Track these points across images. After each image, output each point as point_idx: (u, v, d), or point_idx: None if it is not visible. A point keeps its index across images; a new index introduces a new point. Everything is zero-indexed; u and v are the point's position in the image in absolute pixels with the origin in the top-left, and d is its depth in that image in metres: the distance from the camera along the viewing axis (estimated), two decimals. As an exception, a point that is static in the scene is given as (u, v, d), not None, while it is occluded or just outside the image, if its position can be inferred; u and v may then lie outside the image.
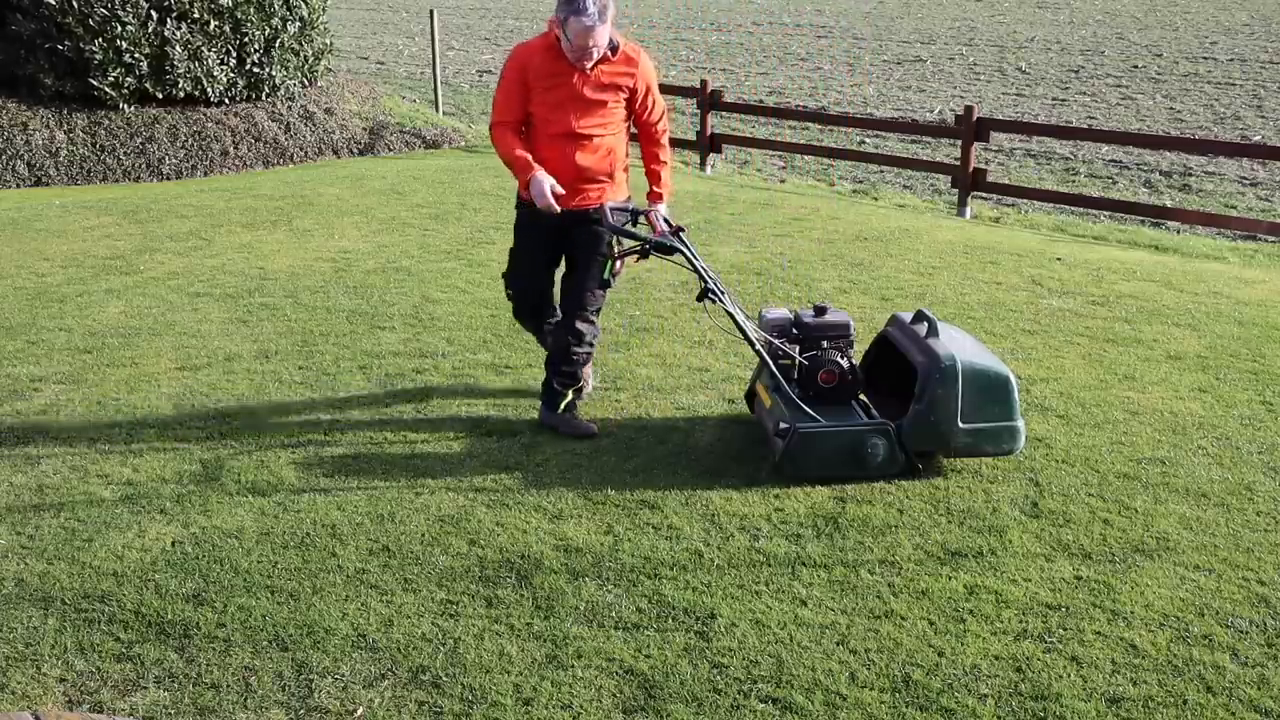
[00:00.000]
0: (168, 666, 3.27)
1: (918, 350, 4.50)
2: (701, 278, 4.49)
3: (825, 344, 4.63)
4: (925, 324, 4.60)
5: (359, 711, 3.09)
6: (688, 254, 4.46)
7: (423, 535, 4.02)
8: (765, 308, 4.81)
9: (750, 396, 4.99)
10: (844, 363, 4.60)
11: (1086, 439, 4.86)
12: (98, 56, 12.23)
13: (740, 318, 4.52)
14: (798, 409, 4.44)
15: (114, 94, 12.48)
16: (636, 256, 4.64)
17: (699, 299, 4.56)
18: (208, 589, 3.67)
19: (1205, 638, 3.44)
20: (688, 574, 3.77)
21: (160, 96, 12.79)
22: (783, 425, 4.42)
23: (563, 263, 4.92)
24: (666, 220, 4.68)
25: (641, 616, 3.53)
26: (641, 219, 4.74)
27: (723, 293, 4.51)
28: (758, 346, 4.57)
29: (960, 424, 4.35)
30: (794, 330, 4.67)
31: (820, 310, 4.72)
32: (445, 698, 3.14)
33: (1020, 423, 4.45)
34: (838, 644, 3.39)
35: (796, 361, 4.61)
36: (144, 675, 3.24)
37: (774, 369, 4.55)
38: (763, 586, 3.70)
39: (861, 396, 4.71)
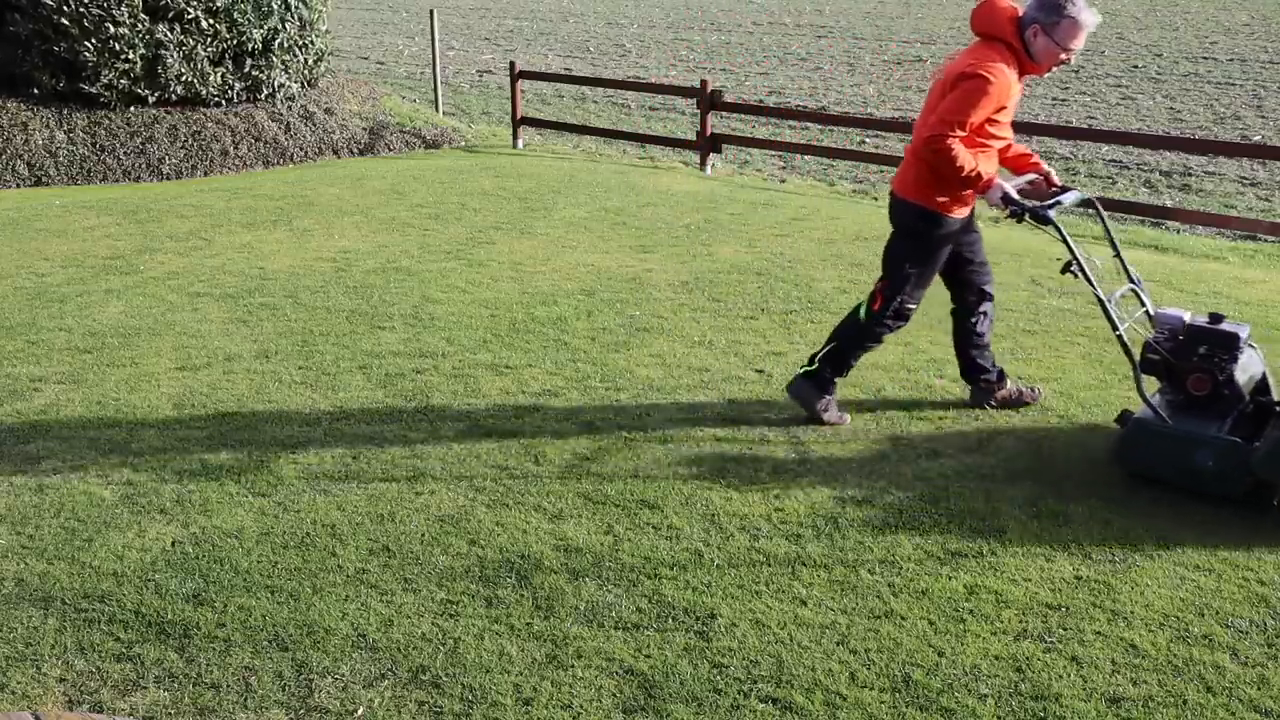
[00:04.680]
0: (168, 666, 3.27)
1: None
2: (1072, 252, 4.46)
3: (1202, 350, 4.46)
4: None
5: (359, 711, 3.09)
6: (1060, 229, 4.44)
7: (423, 535, 4.02)
8: (1163, 306, 4.71)
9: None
10: (1220, 375, 4.41)
11: (1087, 439, 4.86)
12: (91, 58, 12.23)
13: (1106, 301, 4.47)
14: (1146, 403, 4.38)
15: (107, 95, 12.48)
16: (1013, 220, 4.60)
17: (1062, 271, 4.52)
18: (208, 589, 3.67)
19: (1205, 638, 3.44)
20: (688, 574, 3.78)
21: (153, 99, 12.78)
22: (1125, 411, 4.41)
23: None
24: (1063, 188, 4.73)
25: (641, 616, 3.53)
26: (1031, 183, 4.80)
27: (1090, 275, 4.45)
28: (1119, 332, 4.46)
29: None
30: (1179, 333, 4.54)
31: (1216, 318, 4.56)
32: (445, 698, 3.14)
33: None
34: (838, 644, 3.39)
35: (1166, 361, 4.50)
36: (144, 675, 3.24)
37: (1131, 360, 4.47)
38: (763, 586, 3.70)
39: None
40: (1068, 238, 4.48)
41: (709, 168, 12.91)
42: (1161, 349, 4.51)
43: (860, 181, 13.06)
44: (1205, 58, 24.33)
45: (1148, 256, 8.67)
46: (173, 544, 3.96)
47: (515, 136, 14.46)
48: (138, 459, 4.67)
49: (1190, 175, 13.29)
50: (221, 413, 5.16)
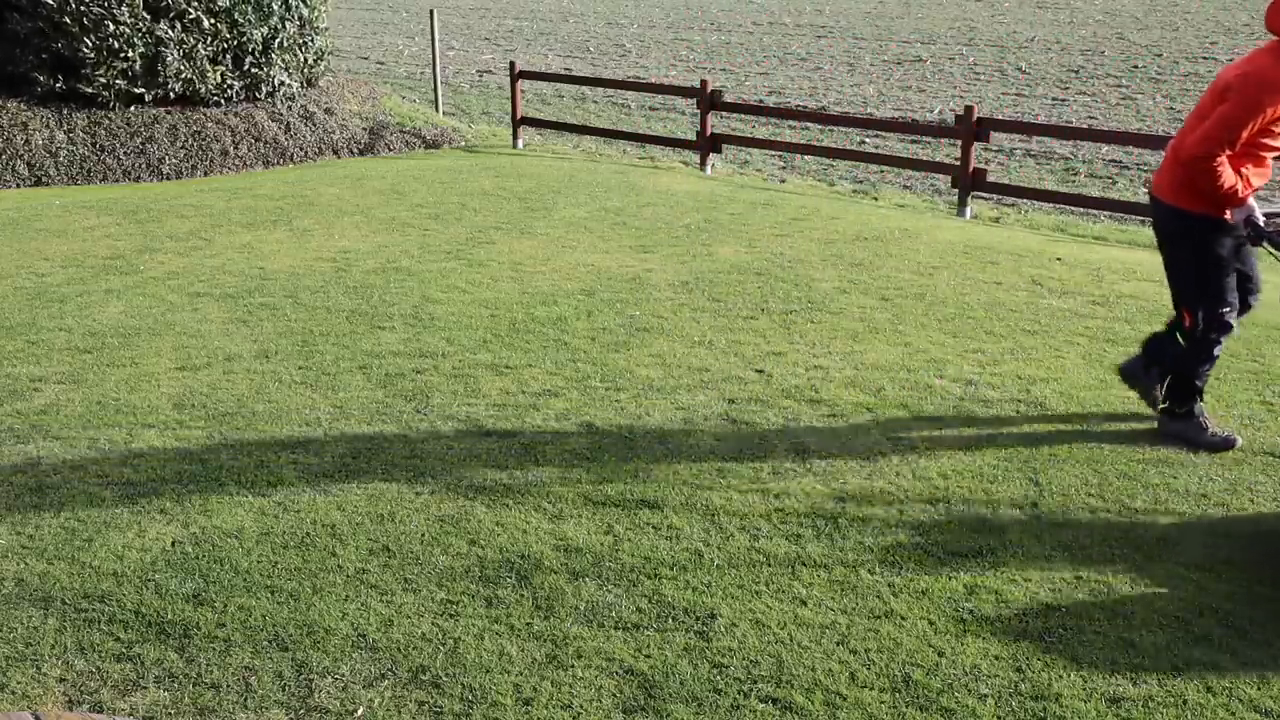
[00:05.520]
0: (168, 666, 3.27)
1: None
2: None
3: None
4: None
5: (359, 711, 3.09)
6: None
7: (423, 535, 4.03)
8: None
9: None
10: None
11: (1086, 439, 4.86)
12: (90, 56, 12.23)
13: None
14: None
15: (106, 94, 12.48)
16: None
17: None
18: (208, 589, 3.67)
19: (1205, 638, 3.44)
20: (688, 574, 3.78)
21: (151, 98, 12.78)
22: None
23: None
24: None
25: (641, 616, 3.53)
26: None
27: None
28: None
29: None
30: None
31: None
32: (445, 698, 3.15)
33: None
34: (838, 644, 3.39)
35: None
36: (144, 675, 3.24)
37: None
38: (763, 586, 3.70)
39: None
40: None
41: (709, 168, 12.91)
42: None
43: (860, 181, 13.06)
44: (1205, 58, 24.33)
45: (1149, 257, 8.66)
46: (173, 544, 3.96)
47: (515, 136, 14.46)
48: (138, 459, 4.67)
49: (1190, 175, 13.28)
50: (221, 413, 5.16)
